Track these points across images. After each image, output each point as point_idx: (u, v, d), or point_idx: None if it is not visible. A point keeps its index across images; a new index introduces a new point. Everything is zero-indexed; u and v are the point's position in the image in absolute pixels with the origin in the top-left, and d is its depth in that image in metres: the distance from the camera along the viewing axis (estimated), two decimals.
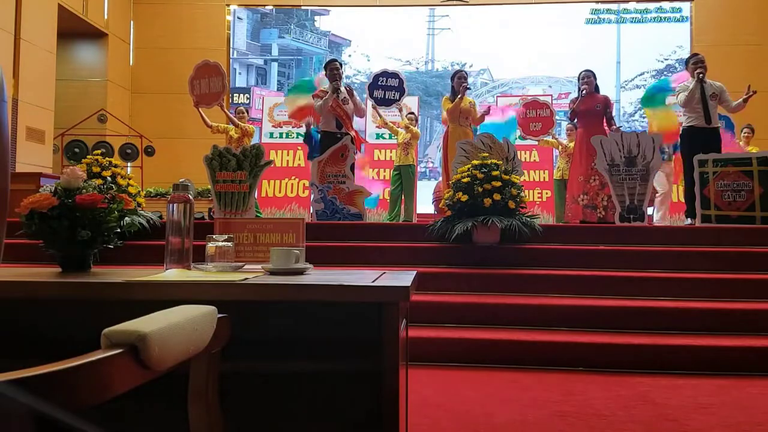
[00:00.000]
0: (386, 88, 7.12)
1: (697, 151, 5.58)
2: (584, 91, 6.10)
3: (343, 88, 6.00)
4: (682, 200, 6.62)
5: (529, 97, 8.30)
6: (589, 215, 5.87)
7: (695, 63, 5.95)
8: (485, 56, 10.75)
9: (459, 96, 6.19)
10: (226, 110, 7.16)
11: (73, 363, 0.60)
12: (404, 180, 7.05)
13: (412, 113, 7.66)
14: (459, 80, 6.28)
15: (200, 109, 6.78)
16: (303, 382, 1.46)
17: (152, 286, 1.39)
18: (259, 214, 6.34)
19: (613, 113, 6.39)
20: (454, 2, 10.49)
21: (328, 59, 6.64)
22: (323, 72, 6.47)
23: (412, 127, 7.29)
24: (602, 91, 6.41)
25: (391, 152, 8.30)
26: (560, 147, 7.67)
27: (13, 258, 4.06)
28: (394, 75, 7.21)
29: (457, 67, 9.95)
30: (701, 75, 5.81)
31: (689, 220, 5.83)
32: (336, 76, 5.98)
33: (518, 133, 7.81)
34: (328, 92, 5.95)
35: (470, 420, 2.44)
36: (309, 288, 1.36)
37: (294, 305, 1.46)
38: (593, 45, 10.38)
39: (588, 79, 6.14)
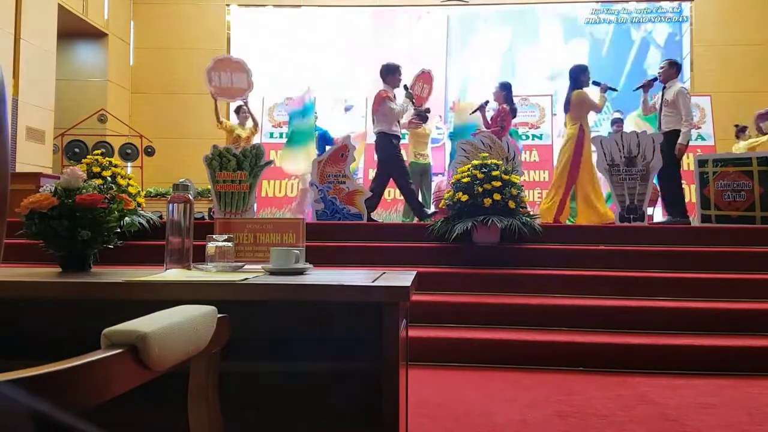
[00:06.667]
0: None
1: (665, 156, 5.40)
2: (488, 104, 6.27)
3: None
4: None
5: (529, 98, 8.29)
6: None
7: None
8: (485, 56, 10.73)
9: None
10: (248, 110, 7.09)
11: (73, 363, 0.60)
12: (423, 179, 6.97)
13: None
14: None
15: (217, 102, 6.77)
16: (303, 382, 1.46)
17: (152, 286, 1.39)
18: None
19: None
20: (454, 2, 10.48)
21: (389, 63, 6.01)
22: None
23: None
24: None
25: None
26: None
27: (13, 258, 4.06)
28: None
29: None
30: (640, 84, 5.90)
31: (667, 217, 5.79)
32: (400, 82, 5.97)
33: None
34: (394, 98, 5.87)
35: (470, 420, 2.44)
36: (309, 288, 1.36)
37: (294, 305, 1.46)
38: (593, 45, 10.37)
39: (496, 93, 6.23)
